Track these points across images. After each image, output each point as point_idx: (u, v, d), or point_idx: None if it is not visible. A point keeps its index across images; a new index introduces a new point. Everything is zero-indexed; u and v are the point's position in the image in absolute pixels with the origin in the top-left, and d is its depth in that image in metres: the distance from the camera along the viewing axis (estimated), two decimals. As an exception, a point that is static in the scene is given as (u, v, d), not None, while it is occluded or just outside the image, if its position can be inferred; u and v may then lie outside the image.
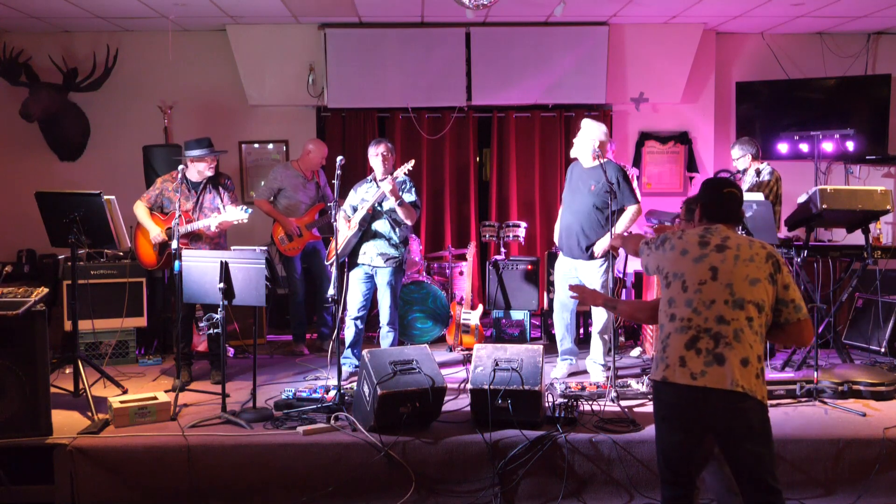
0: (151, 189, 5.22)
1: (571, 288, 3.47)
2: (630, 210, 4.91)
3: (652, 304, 3.14)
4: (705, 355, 2.71)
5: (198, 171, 5.08)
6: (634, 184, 6.50)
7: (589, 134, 4.94)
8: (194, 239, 5.05)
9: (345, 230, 5.07)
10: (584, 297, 3.45)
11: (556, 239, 5.24)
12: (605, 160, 4.89)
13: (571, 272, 5.08)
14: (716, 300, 2.75)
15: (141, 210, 5.14)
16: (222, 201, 5.10)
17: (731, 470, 2.79)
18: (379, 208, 5.08)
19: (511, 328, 6.45)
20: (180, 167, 4.94)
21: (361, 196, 5.17)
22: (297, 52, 7.06)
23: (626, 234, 3.41)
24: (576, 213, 4.97)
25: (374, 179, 5.16)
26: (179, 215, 4.72)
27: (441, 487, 3.84)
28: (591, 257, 4.95)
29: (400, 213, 4.99)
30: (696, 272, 2.81)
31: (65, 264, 4.85)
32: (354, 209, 5.18)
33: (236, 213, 4.88)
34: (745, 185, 6.01)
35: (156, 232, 5.08)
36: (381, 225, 5.10)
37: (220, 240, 5.16)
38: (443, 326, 6.13)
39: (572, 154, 5.06)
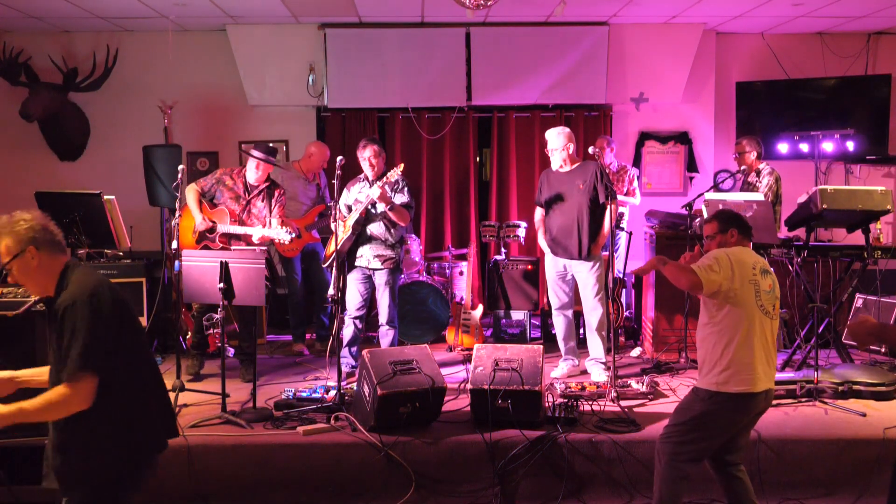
0: (210, 176, 5.16)
1: (634, 272, 3.90)
2: (608, 207, 4.93)
3: (690, 269, 3.17)
4: None
5: (252, 172, 5.03)
6: (635, 184, 6.57)
7: (557, 145, 5.00)
8: (234, 238, 5.01)
9: (340, 231, 5.06)
10: (644, 268, 3.63)
11: (543, 242, 5.19)
12: (582, 162, 5.05)
13: (563, 272, 5.11)
14: None
15: (191, 195, 5.05)
16: (270, 213, 5.04)
17: None
18: (373, 211, 5.07)
19: (511, 328, 6.44)
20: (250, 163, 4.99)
21: (355, 196, 5.16)
22: (297, 52, 7.05)
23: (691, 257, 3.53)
24: (568, 213, 4.99)
25: (367, 179, 5.16)
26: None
27: (441, 487, 3.84)
28: (589, 256, 4.97)
29: (392, 216, 4.99)
30: None
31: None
32: (349, 208, 5.18)
33: (279, 233, 4.83)
34: (743, 186, 6.02)
35: (200, 220, 5.00)
36: (375, 227, 5.10)
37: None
38: (443, 326, 6.13)
39: (553, 167, 5.09)
